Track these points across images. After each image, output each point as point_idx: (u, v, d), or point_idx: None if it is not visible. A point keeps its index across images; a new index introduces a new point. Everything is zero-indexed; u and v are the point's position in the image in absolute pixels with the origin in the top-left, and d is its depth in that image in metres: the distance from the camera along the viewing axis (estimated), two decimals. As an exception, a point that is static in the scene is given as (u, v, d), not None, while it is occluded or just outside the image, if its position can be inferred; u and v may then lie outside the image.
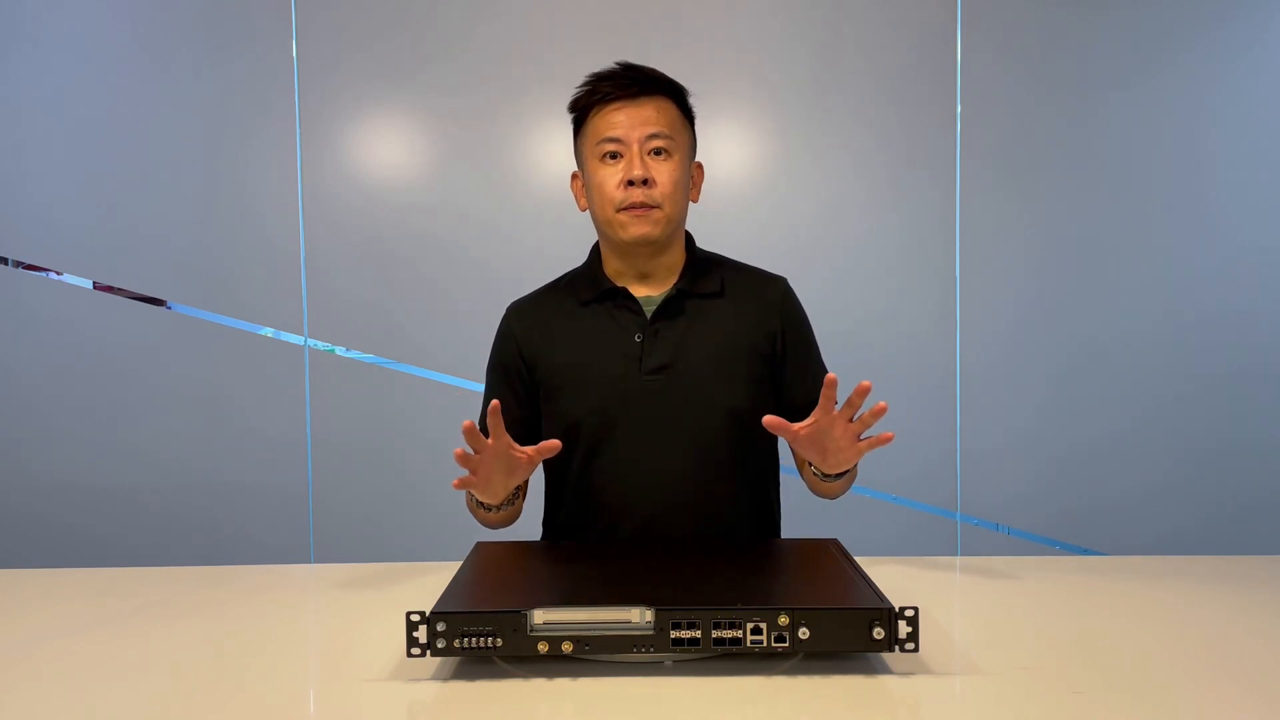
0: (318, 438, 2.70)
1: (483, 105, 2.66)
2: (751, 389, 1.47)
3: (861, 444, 1.25)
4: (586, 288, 1.52)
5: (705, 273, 1.51)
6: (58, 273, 2.69)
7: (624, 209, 1.42)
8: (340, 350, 2.70)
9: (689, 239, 1.55)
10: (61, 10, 2.65)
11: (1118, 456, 2.69)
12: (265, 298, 2.69)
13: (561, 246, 2.75)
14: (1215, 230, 2.68)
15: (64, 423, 2.68)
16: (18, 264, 2.68)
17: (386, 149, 2.70)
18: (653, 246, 1.45)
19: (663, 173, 1.42)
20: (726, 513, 1.44)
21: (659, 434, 1.41)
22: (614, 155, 1.43)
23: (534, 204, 2.66)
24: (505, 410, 1.52)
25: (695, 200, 1.52)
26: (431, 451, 2.70)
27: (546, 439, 1.50)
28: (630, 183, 1.40)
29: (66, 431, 2.69)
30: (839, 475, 1.37)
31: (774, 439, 1.53)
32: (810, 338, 1.56)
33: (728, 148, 2.66)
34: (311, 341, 2.70)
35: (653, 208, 1.42)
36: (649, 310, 1.48)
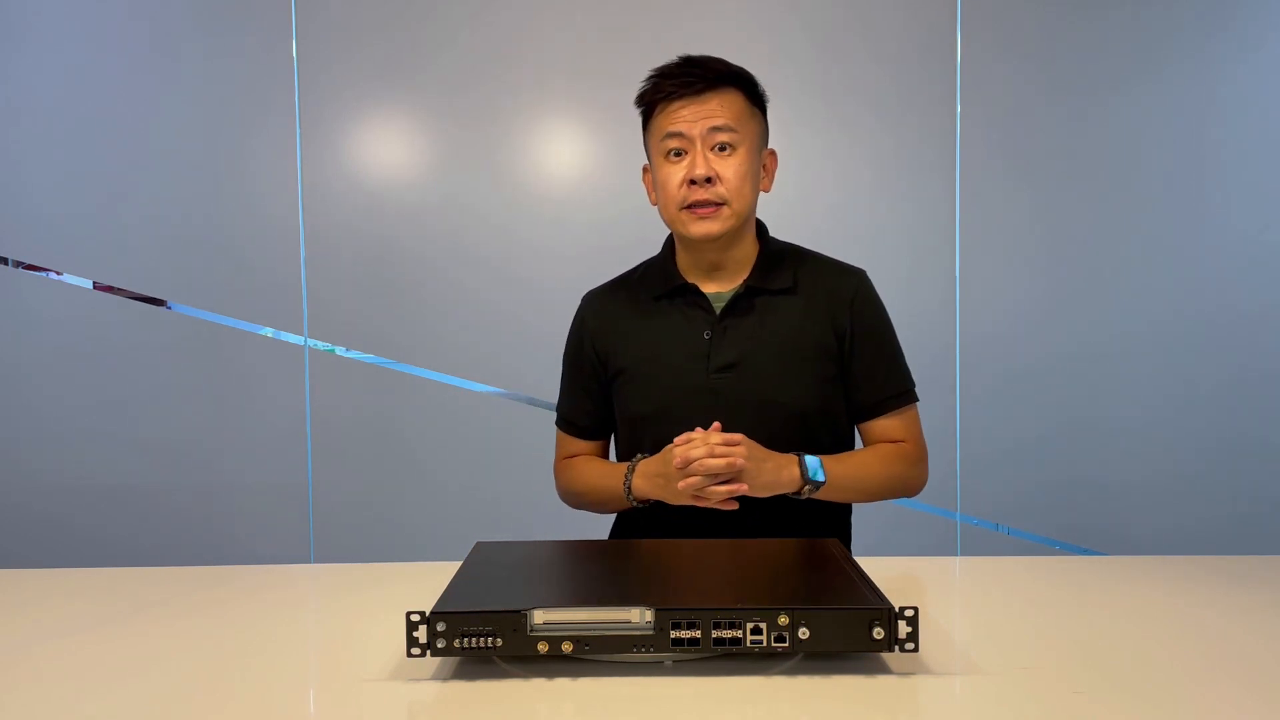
0: (318, 438, 2.69)
1: (483, 104, 2.66)
2: (819, 389, 1.46)
3: (720, 488, 1.29)
4: (659, 281, 1.52)
5: (777, 267, 1.49)
6: (58, 273, 2.69)
7: (688, 207, 1.41)
8: (340, 350, 2.70)
9: (762, 229, 1.53)
10: (61, 10, 2.65)
11: (1118, 456, 2.69)
12: (265, 298, 2.69)
13: (562, 246, 2.75)
14: (1216, 230, 2.68)
15: (64, 422, 2.68)
16: (18, 264, 2.68)
17: (387, 149, 2.70)
18: (720, 242, 1.44)
19: (727, 168, 1.40)
20: (793, 512, 1.41)
21: (726, 431, 1.39)
22: (678, 152, 1.42)
23: (535, 203, 2.66)
24: (577, 402, 1.58)
25: (767, 189, 1.50)
26: (432, 451, 2.70)
27: (619, 430, 1.57)
28: (693, 181, 1.40)
29: (66, 431, 2.68)
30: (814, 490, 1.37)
31: (843, 438, 1.52)
32: (884, 335, 1.52)
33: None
34: (311, 341, 2.70)
35: (719, 205, 1.40)
36: (718, 307, 1.47)
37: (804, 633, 0.88)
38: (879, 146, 2.67)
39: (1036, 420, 2.69)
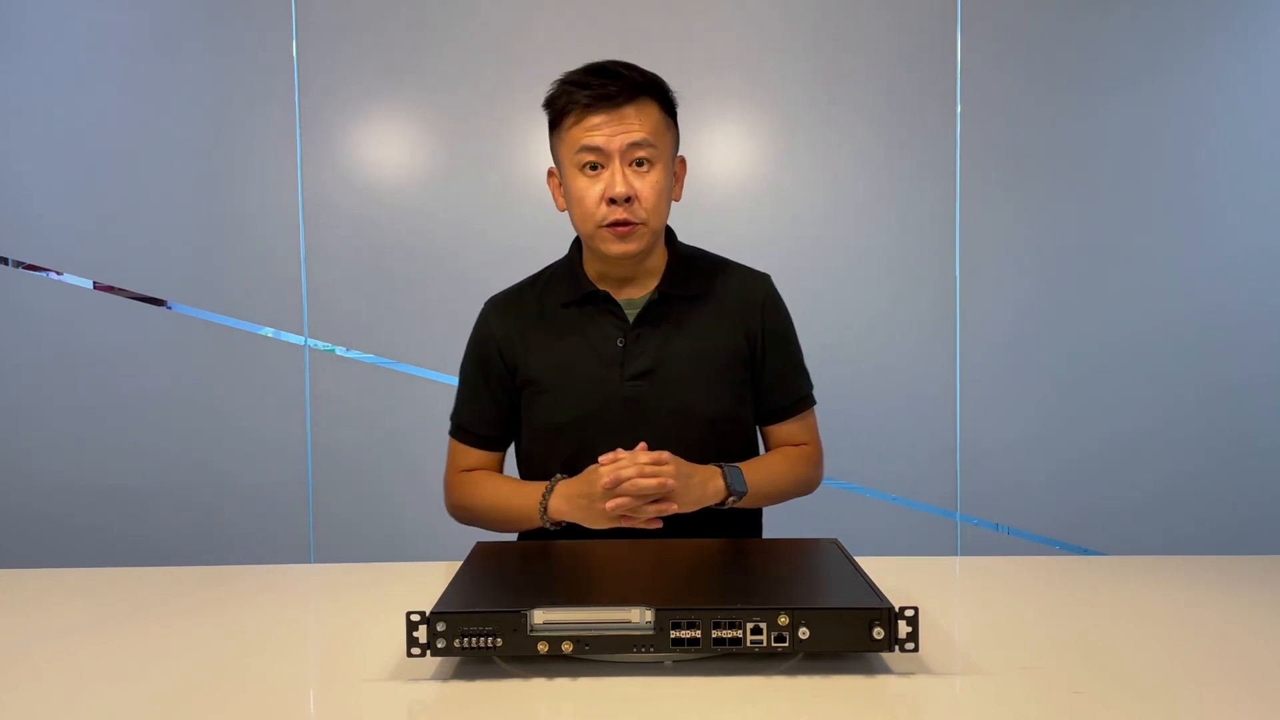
0: (318, 438, 2.70)
1: (483, 105, 2.66)
2: (732, 394, 1.46)
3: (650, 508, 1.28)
4: (567, 288, 1.49)
5: (688, 274, 1.48)
6: (58, 273, 2.69)
7: (606, 225, 1.38)
8: (340, 350, 2.70)
9: (670, 235, 1.51)
10: (61, 10, 2.65)
11: (1118, 456, 2.69)
12: (265, 298, 2.69)
13: (562, 247, 2.75)
14: (1217, 232, 2.68)
15: (64, 422, 2.68)
16: (18, 264, 2.68)
17: (387, 149, 2.70)
18: (635, 257, 1.43)
19: (645, 185, 1.37)
20: (707, 517, 1.40)
21: (639, 439, 1.36)
22: (594, 166, 1.38)
23: (534, 204, 2.66)
24: (481, 411, 1.52)
25: (678, 199, 1.47)
26: (431, 451, 2.69)
27: (525, 442, 1.52)
28: (612, 200, 1.36)
29: (67, 431, 2.68)
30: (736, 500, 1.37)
31: (754, 443, 1.54)
32: (791, 340, 1.53)
33: (727, 148, 2.66)
34: (311, 341, 2.70)
35: (636, 224, 1.38)
36: (631, 314, 1.46)
37: (804, 633, 0.88)
38: (878, 147, 2.67)
39: (1036, 420, 2.69)
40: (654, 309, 1.46)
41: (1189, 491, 2.69)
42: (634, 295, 1.47)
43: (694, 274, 1.49)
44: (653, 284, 1.47)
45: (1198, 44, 2.66)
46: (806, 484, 1.53)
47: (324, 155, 2.67)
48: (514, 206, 2.66)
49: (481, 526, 1.49)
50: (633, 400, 1.42)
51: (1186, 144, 2.67)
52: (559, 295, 1.49)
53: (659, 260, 1.49)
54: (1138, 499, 2.69)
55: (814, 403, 1.56)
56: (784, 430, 1.54)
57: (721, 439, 1.45)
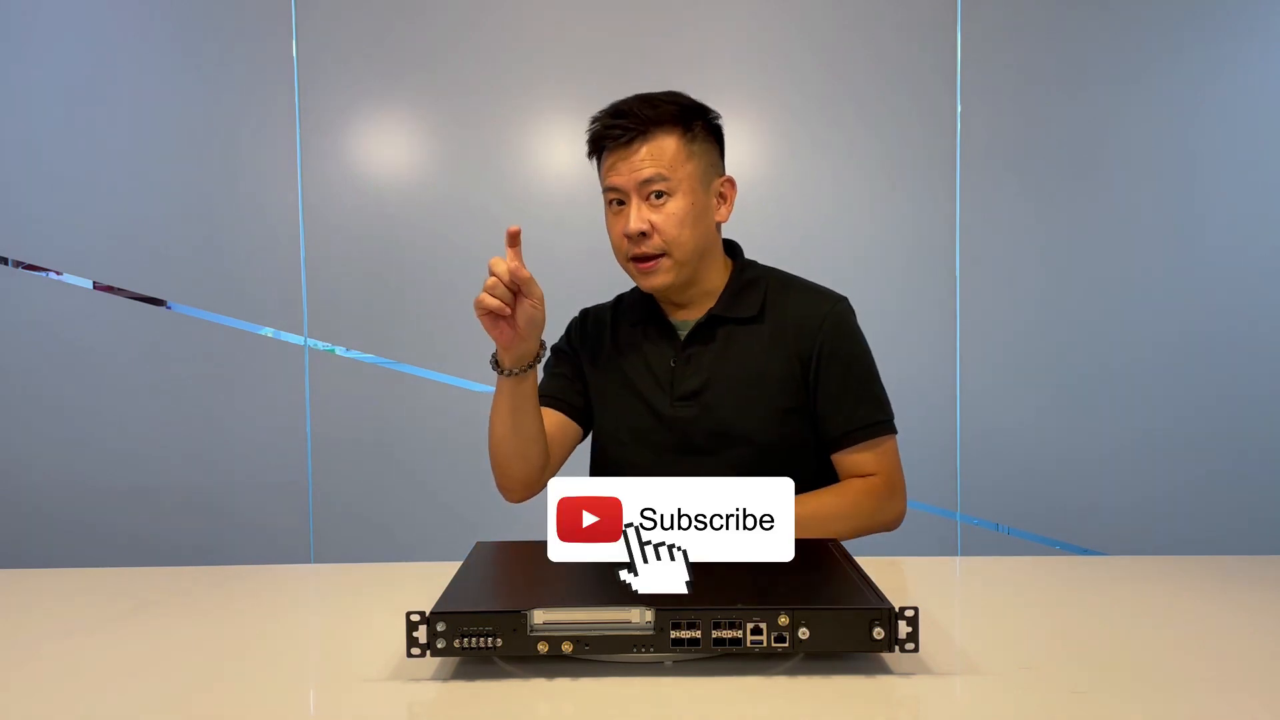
0: (318, 438, 2.69)
1: (483, 104, 2.66)
2: (780, 420, 1.44)
3: None
4: (636, 308, 1.55)
5: (746, 296, 1.49)
6: (58, 273, 2.69)
7: (632, 259, 1.44)
8: (340, 350, 2.71)
9: (737, 252, 1.54)
10: (61, 10, 2.65)
11: (1118, 456, 2.69)
12: (265, 298, 2.69)
13: (562, 247, 2.75)
14: (1219, 232, 2.68)
15: (64, 422, 2.68)
16: (18, 264, 2.68)
17: (387, 148, 2.70)
18: (672, 288, 1.46)
19: (662, 217, 1.41)
20: None
21: (684, 461, 1.40)
22: (620, 202, 1.44)
23: (534, 203, 2.66)
24: (558, 376, 1.57)
25: (724, 220, 1.50)
26: (431, 451, 2.70)
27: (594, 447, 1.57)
28: (629, 235, 1.42)
29: (66, 431, 2.68)
30: None
31: (804, 470, 1.46)
32: (854, 363, 1.47)
33: (727, 147, 2.66)
34: (311, 341, 2.70)
35: (658, 256, 1.42)
36: (684, 334, 1.49)
37: (804, 633, 0.88)
38: (878, 147, 2.67)
39: (1037, 420, 2.69)
40: (703, 331, 1.48)
41: (1189, 491, 2.69)
42: (689, 317, 1.51)
43: (752, 295, 1.49)
44: (709, 305, 1.50)
45: (1200, 40, 2.66)
46: (870, 518, 1.43)
47: (324, 155, 2.67)
48: (514, 206, 2.66)
49: (492, 453, 1.50)
50: (680, 421, 1.45)
51: (1190, 142, 2.67)
52: (629, 315, 1.56)
53: (716, 281, 1.51)
54: (1138, 499, 2.69)
55: (890, 431, 1.47)
56: (850, 459, 1.46)
57: (772, 466, 1.39)
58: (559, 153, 2.66)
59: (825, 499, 1.43)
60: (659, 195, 1.41)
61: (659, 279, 1.43)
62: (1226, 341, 2.68)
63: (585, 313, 1.64)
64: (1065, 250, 2.68)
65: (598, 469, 1.56)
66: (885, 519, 1.46)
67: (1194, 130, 2.67)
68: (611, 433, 1.52)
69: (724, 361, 1.46)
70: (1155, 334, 2.68)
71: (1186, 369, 2.68)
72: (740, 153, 2.68)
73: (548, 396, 1.54)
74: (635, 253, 1.43)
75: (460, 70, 2.66)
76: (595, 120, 1.47)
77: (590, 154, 1.50)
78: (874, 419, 1.47)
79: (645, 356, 1.51)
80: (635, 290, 1.58)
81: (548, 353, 1.45)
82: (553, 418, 1.54)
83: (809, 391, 1.46)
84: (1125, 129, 2.66)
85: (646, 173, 1.41)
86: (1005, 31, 2.66)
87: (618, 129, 1.42)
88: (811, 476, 1.49)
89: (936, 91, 2.66)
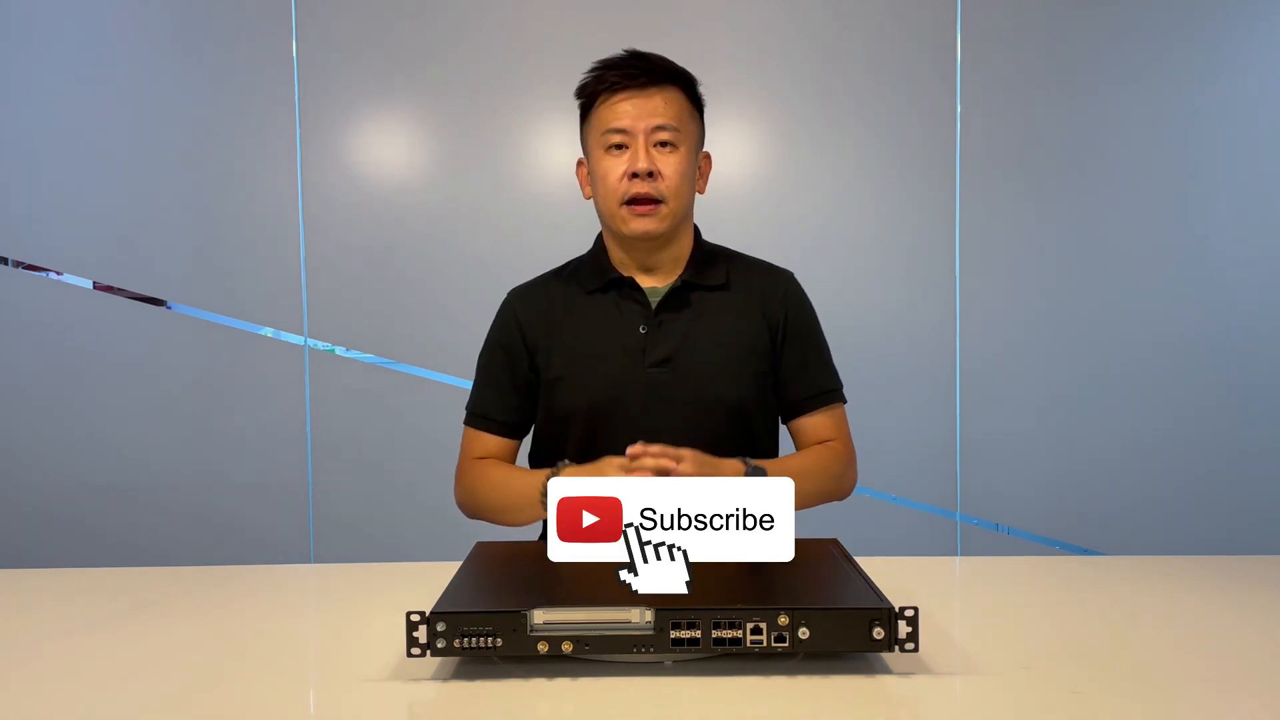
0: (318, 438, 2.69)
1: (483, 104, 2.66)
2: (754, 383, 1.47)
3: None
4: (591, 276, 1.51)
5: (711, 265, 1.50)
6: (58, 273, 2.69)
7: (628, 203, 1.41)
8: (340, 350, 2.70)
9: (696, 231, 1.53)
10: (61, 10, 2.65)
11: (1118, 457, 2.69)
12: (265, 298, 2.69)
13: (562, 247, 2.75)
14: (1220, 232, 2.68)
15: (64, 422, 2.68)
16: (18, 264, 2.68)
17: (387, 148, 2.70)
18: (657, 241, 1.45)
19: (669, 165, 1.41)
20: None
21: (660, 427, 1.37)
22: (620, 146, 1.41)
23: (534, 203, 2.66)
24: (500, 397, 1.52)
25: (702, 192, 1.50)
26: (431, 451, 2.69)
27: (541, 430, 1.53)
28: (635, 175, 1.40)
29: (66, 431, 2.68)
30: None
31: (776, 434, 1.53)
32: (813, 334, 1.53)
33: (727, 146, 2.66)
34: (311, 341, 2.70)
35: (658, 202, 1.41)
36: (654, 301, 1.47)
37: (804, 633, 0.88)
38: (878, 147, 2.67)
39: (1037, 420, 2.69)
40: (677, 296, 1.47)
41: (1189, 492, 2.69)
42: (658, 284, 1.49)
43: (716, 265, 1.51)
44: (677, 273, 1.49)
45: (1200, 40, 2.66)
46: (837, 481, 1.48)
47: (324, 155, 2.67)
48: (514, 206, 2.66)
49: (485, 516, 1.47)
50: (654, 387, 1.43)
51: (1189, 142, 2.67)
52: (584, 284, 1.51)
53: (683, 249, 1.50)
54: (1138, 499, 2.68)
55: (843, 400, 1.53)
56: (809, 424, 1.51)
57: (742, 429, 1.45)
58: (559, 153, 2.65)
59: (804, 460, 1.47)
60: (665, 145, 1.41)
61: (653, 223, 1.41)
62: (1226, 342, 2.68)
63: (518, 292, 1.56)
64: (1065, 250, 2.68)
65: (552, 446, 1.49)
66: (848, 485, 1.51)
67: (1193, 131, 2.67)
68: (576, 405, 1.45)
69: (697, 327, 1.46)
70: (1155, 334, 2.68)
71: (1186, 369, 2.68)
72: (741, 153, 2.68)
73: (492, 421, 1.51)
74: (637, 193, 1.40)
75: (460, 70, 2.66)
76: (605, 60, 1.43)
77: (587, 99, 1.45)
78: (832, 385, 1.53)
79: (610, 323, 1.47)
80: (581, 260, 1.55)
81: None
82: (504, 446, 1.52)
83: (774, 359, 1.49)
84: (1125, 129, 2.66)
85: (661, 118, 1.40)
86: (1005, 32, 2.66)
87: (637, 70, 1.40)
88: (775, 439, 1.53)
89: (936, 92, 2.66)
